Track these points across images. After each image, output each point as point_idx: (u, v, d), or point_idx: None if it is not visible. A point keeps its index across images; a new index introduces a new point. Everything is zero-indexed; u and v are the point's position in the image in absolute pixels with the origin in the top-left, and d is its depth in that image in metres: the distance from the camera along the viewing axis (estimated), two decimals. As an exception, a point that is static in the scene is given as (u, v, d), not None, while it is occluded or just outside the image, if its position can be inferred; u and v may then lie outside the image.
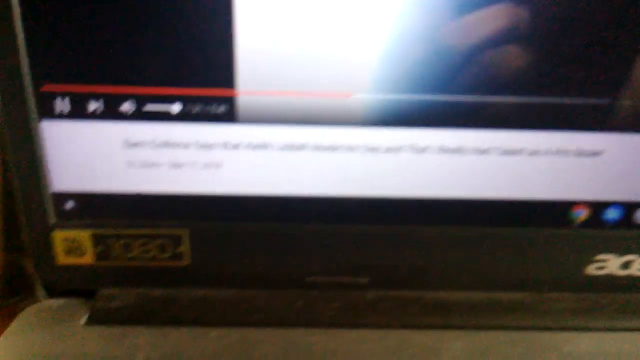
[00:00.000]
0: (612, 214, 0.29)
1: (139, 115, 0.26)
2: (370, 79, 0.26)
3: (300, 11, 0.24)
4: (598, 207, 0.29)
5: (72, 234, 0.28)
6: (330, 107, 0.26)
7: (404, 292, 0.30)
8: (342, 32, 0.25)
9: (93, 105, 0.25)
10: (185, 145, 0.26)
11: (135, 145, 0.26)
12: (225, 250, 0.29)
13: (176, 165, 0.27)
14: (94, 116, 0.26)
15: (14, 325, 0.28)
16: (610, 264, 0.30)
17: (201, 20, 0.24)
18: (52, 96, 0.25)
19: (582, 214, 0.29)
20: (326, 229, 0.29)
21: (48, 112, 0.26)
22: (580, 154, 0.27)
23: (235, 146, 0.27)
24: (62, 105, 0.25)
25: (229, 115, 0.26)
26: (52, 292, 0.30)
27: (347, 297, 0.30)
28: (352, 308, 0.29)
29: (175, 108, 0.26)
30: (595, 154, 0.27)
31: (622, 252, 0.29)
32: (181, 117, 0.26)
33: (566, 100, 0.26)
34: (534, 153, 0.27)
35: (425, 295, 0.30)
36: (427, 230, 0.29)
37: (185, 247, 0.29)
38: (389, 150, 0.27)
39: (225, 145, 0.27)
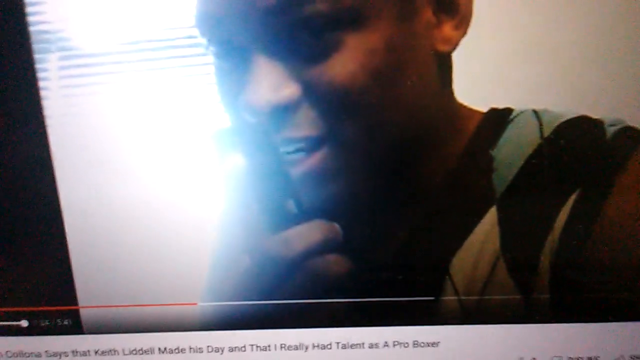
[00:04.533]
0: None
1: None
2: (211, 288, 0.28)
3: (130, 226, 0.27)
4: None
5: None
6: (175, 315, 0.28)
7: None
8: (179, 247, 0.27)
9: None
10: (37, 355, 0.28)
11: (-10, 355, 0.28)
12: None
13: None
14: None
15: None
16: None
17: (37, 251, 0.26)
18: None
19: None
20: None
21: None
22: (417, 345, 0.29)
23: (84, 353, 0.28)
24: None
25: (74, 327, 0.28)
26: None
27: None
28: None
29: (24, 323, 0.28)
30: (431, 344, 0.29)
31: None
32: (30, 331, 0.28)
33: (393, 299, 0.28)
34: (373, 346, 0.29)
35: None
36: None
37: None
38: (232, 350, 0.29)
39: (74, 353, 0.28)
